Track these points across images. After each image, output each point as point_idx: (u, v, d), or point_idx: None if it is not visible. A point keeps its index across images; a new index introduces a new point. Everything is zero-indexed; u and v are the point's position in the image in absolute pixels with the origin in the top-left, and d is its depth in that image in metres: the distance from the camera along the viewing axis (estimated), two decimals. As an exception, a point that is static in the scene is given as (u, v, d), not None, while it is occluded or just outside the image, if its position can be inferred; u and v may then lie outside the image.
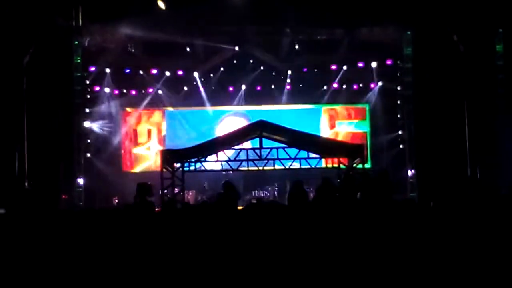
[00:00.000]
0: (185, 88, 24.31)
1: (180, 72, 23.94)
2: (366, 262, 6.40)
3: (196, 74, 24.04)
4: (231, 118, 24.79)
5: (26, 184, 20.04)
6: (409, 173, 22.96)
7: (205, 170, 19.99)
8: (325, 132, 24.69)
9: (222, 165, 19.72)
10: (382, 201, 8.68)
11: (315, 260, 6.46)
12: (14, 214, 11.40)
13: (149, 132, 24.93)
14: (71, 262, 6.70)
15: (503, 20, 20.55)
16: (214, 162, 19.24)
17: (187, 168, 18.52)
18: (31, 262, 6.74)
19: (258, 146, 18.51)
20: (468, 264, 6.35)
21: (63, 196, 21.23)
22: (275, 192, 22.51)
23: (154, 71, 23.78)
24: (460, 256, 6.46)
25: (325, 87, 24.34)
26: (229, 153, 19.19)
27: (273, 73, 24.08)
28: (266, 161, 18.79)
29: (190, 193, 21.40)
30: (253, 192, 22.33)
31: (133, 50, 23.04)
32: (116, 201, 21.71)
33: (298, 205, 10.57)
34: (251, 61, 23.79)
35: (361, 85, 24.41)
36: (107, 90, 23.71)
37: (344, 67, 23.84)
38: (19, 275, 6.57)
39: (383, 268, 6.33)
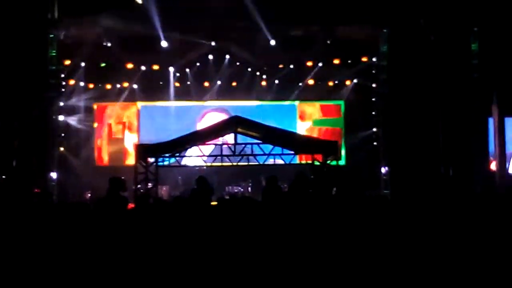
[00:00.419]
0: (161, 82, 24.22)
1: (155, 67, 23.83)
2: (339, 257, 6.42)
3: (171, 69, 23.96)
4: (212, 114, 24.69)
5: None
6: (383, 170, 23.05)
7: (179, 165, 19.94)
8: (300, 128, 24.73)
9: (203, 160, 19.66)
10: (354, 196, 8.71)
11: (288, 254, 6.47)
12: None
13: (123, 126, 24.83)
14: (42, 256, 6.65)
15: (478, 19, 20.67)
16: (188, 158, 19.16)
17: (161, 163, 18.49)
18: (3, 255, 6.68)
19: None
20: (440, 260, 6.39)
21: (36, 190, 21.06)
22: (249, 188, 22.50)
23: (130, 66, 23.64)
24: (432, 253, 6.49)
25: (300, 84, 24.38)
26: (204, 148, 19.14)
27: (249, 69, 24.05)
28: (240, 157, 18.76)
29: (164, 188, 21.35)
30: (226, 188, 22.26)
31: (109, 44, 22.85)
32: (89, 195, 21.61)
33: (272, 200, 10.58)
34: (227, 56, 23.72)
35: (336, 82, 24.49)
36: (81, 84, 23.58)
37: (320, 64, 23.88)
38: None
39: (356, 262, 6.35)
